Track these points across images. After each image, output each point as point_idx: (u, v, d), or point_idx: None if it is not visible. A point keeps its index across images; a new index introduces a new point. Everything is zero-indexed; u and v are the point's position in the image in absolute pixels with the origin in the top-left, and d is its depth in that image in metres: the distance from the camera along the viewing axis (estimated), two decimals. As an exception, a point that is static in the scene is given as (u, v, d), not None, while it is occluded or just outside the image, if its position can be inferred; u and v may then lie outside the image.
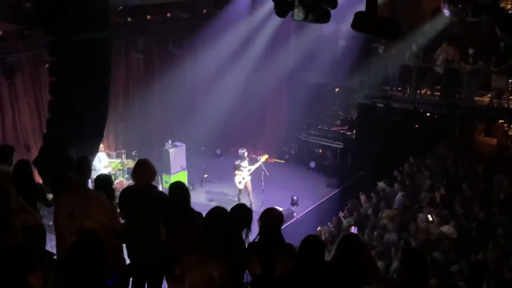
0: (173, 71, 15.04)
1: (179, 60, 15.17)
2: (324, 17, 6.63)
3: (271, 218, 4.49)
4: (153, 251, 4.95)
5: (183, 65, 15.27)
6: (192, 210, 4.95)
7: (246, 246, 4.50)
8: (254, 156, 14.97)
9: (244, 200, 12.45)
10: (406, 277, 3.92)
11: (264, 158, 12.86)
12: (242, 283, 4.55)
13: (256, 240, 4.49)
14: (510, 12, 6.62)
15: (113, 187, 5.85)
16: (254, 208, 11.60)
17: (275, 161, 16.63)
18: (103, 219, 4.94)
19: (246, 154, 12.69)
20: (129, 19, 12.52)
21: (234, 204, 4.79)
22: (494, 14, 6.08)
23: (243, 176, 12.60)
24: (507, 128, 15.17)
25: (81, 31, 6.81)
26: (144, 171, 5.16)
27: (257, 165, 12.70)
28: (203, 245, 4.28)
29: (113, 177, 10.96)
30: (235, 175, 12.64)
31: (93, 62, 7.16)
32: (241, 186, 12.67)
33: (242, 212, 4.58)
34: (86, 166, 5.26)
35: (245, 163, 12.62)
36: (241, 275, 4.49)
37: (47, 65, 10.15)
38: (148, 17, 13.21)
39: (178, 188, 4.99)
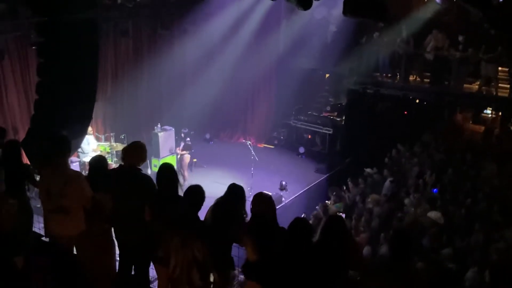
0: (162, 54, 14.93)
1: (168, 43, 15.04)
2: (306, 4, 6.63)
3: (262, 202, 4.50)
4: (138, 233, 4.93)
5: (172, 49, 15.13)
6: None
7: (242, 227, 4.51)
8: (243, 140, 15.06)
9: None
10: (394, 256, 3.94)
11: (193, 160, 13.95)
12: (227, 263, 4.57)
13: (249, 223, 4.50)
14: (498, 3, 6.64)
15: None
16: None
17: (264, 146, 16.65)
18: (81, 199, 4.90)
19: (183, 135, 13.65)
20: (118, 1, 12.34)
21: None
22: (481, 5, 6.11)
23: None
24: (494, 116, 15.27)
25: (70, 12, 6.73)
26: (136, 154, 5.11)
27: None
28: (184, 227, 4.29)
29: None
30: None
31: (82, 44, 7.10)
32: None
33: (236, 192, 4.59)
34: (66, 145, 5.17)
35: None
36: (225, 255, 4.51)
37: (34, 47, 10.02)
38: (138, -1, 13.03)
39: (167, 170, 4.96)
